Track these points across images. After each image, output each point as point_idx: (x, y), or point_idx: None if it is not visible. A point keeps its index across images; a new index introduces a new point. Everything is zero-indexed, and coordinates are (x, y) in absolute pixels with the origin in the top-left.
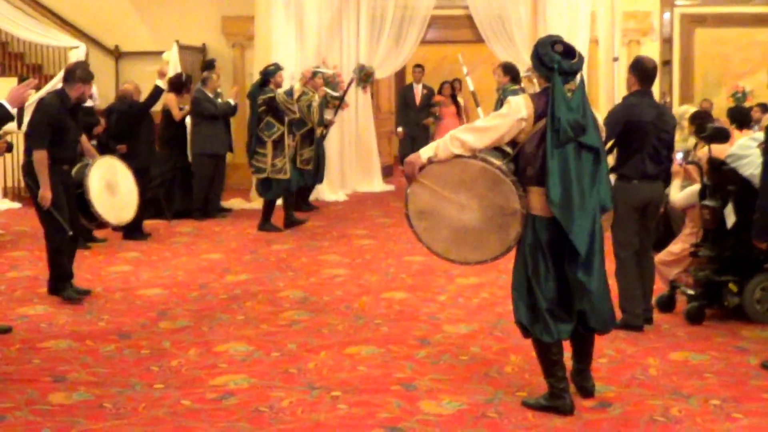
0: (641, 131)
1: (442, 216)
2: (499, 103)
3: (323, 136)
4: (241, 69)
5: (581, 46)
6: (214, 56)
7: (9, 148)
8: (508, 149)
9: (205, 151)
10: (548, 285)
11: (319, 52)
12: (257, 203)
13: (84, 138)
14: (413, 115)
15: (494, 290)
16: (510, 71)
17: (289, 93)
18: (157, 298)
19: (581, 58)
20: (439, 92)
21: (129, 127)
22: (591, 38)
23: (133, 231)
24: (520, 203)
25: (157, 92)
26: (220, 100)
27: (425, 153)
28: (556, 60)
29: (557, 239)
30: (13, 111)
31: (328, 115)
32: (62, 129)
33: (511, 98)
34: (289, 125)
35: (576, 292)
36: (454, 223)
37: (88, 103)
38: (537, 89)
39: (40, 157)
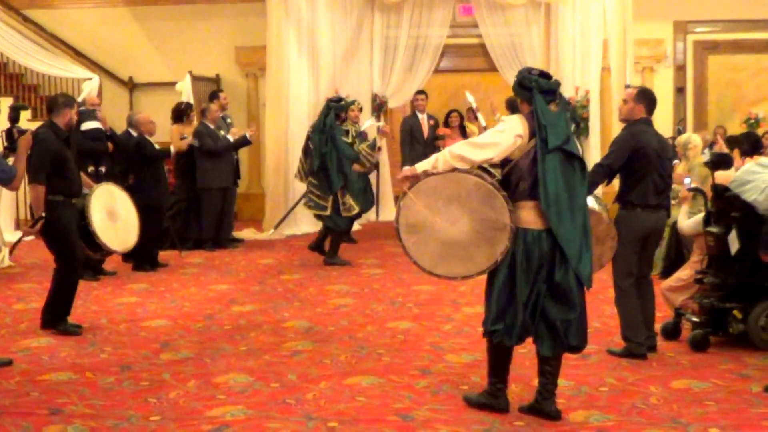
0: (646, 159)
1: (433, 229)
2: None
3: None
4: (255, 98)
5: (593, 74)
6: (228, 86)
7: None
8: (494, 171)
9: (211, 185)
10: (526, 295)
11: (332, 81)
12: (269, 234)
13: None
14: (421, 149)
15: None
16: (513, 108)
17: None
18: (161, 329)
19: (557, 81)
20: (446, 123)
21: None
22: (603, 66)
23: (144, 261)
24: (510, 218)
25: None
26: (222, 133)
27: (422, 166)
28: (533, 80)
29: (546, 252)
30: None
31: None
32: (63, 161)
33: (506, 117)
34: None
35: (562, 300)
36: (443, 237)
37: (91, 125)
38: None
39: (38, 192)
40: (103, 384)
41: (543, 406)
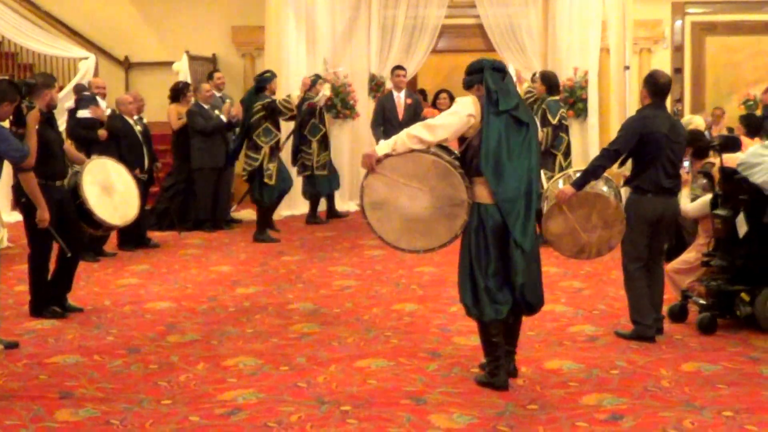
0: (656, 143)
1: (395, 206)
2: (540, 117)
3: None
4: (252, 79)
5: (592, 55)
6: (225, 66)
7: None
8: (453, 149)
9: (203, 165)
10: (490, 267)
11: (330, 61)
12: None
13: (67, 145)
14: (393, 132)
15: None
16: (548, 80)
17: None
18: (166, 312)
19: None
20: (434, 104)
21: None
22: (602, 47)
23: (138, 241)
24: (467, 194)
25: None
26: (217, 112)
27: (382, 149)
28: (482, 60)
29: (501, 224)
30: None
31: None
32: (45, 143)
33: (459, 99)
34: (299, 130)
35: (515, 264)
36: (405, 213)
37: (85, 113)
38: None
39: (28, 177)
40: (111, 367)
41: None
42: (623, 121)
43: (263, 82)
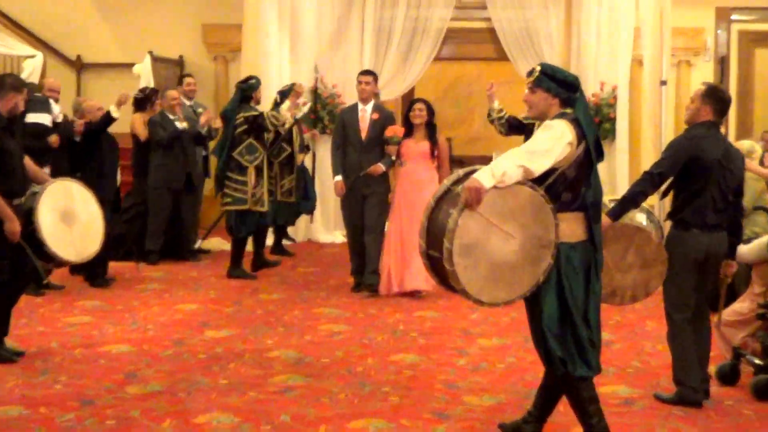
0: (706, 170)
1: (485, 250)
2: None
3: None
4: (225, 85)
5: (622, 67)
6: (194, 70)
7: None
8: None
9: (157, 183)
10: (588, 313)
11: (316, 68)
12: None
13: (28, 160)
14: (355, 157)
15: (522, 354)
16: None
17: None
18: (124, 357)
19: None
20: (405, 121)
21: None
22: (634, 57)
23: (98, 275)
24: (555, 233)
25: (106, 119)
26: (185, 125)
27: (487, 179)
28: (572, 76)
29: (586, 264)
30: None
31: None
32: (2, 154)
33: (552, 122)
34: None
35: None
36: (494, 258)
37: (35, 117)
38: None
39: None
40: (61, 422)
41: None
42: (656, 143)
43: (249, 90)
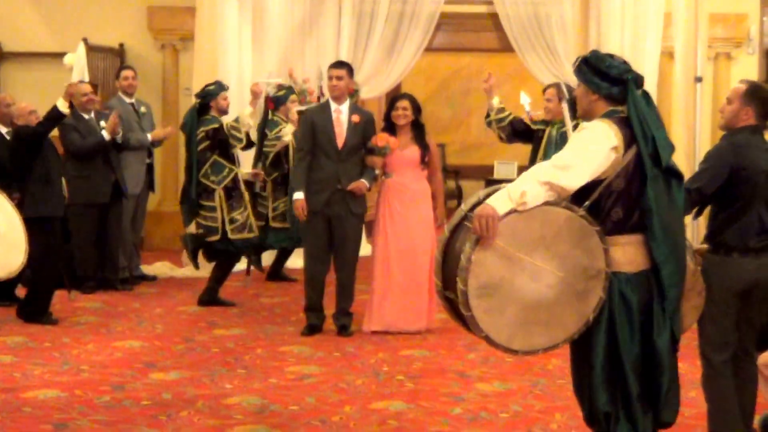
0: (751, 184)
1: (512, 290)
2: (558, 145)
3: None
4: (174, 80)
5: (650, 61)
6: (136, 61)
7: None
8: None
9: (76, 199)
10: (636, 362)
11: (284, 59)
12: (190, 270)
13: None
14: (332, 167)
15: (529, 401)
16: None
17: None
18: (51, 404)
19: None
20: (386, 122)
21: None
22: (663, 50)
23: (40, 309)
24: (605, 260)
25: (54, 115)
26: (102, 123)
27: (501, 203)
28: (626, 69)
29: (645, 301)
30: None
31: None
32: None
33: (592, 124)
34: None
35: (661, 357)
36: (525, 298)
37: None
38: None
39: None
40: None
41: None
42: (690, 151)
43: (206, 98)
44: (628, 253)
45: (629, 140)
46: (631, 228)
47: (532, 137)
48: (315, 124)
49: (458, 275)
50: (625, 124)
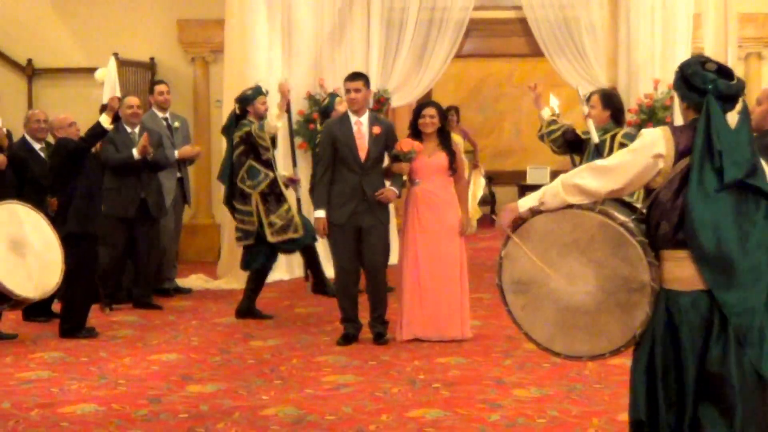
0: None
1: (546, 288)
2: (596, 153)
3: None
4: (205, 92)
5: (679, 62)
6: (167, 74)
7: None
8: (637, 205)
9: (109, 211)
10: (672, 388)
11: (314, 69)
12: (225, 282)
13: None
14: (355, 180)
15: (566, 406)
16: (613, 103)
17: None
18: (90, 418)
19: (741, 81)
20: (413, 127)
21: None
22: (693, 50)
23: (72, 327)
24: (650, 274)
25: (97, 131)
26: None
27: (527, 202)
28: (710, 79)
29: (696, 325)
30: None
31: None
32: None
33: (644, 131)
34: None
35: (716, 400)
36: (562, 300)
37: None
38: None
39: None
40: None
41: None
42: None
43: (244, 103)
44: (675, 270)
45: (681, 151)
46: (679, 243)
47: (582, 148)
48: (336, 137)
49: (496, 271)
50: (681, 133)
